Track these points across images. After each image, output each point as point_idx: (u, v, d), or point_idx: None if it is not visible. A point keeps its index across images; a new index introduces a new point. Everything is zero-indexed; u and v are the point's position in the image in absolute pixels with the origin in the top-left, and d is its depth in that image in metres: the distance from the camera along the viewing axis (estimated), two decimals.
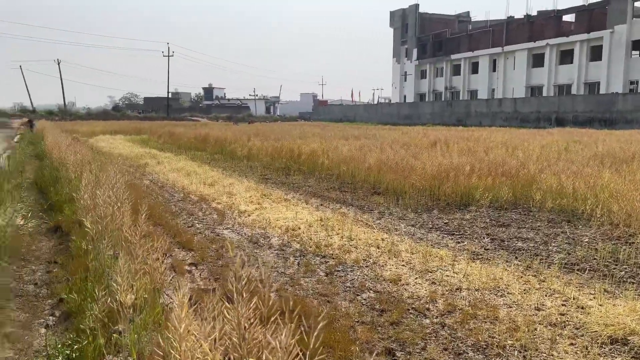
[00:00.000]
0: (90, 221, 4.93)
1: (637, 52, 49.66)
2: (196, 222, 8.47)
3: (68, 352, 3.63)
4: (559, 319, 4.37)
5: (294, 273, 5.77)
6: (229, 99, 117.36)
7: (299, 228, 7.80)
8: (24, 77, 77.26)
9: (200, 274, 5.76)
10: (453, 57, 70.33)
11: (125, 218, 4.71)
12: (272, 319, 1.97)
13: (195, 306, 2.38)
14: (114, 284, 3.48)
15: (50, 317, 4.66)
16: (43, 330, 4.39)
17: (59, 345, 3.78)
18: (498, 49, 62.61)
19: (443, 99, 70.50)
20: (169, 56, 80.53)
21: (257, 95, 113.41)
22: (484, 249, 6.73)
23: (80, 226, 6.39)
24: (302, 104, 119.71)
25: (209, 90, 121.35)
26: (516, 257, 6.28)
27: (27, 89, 79.78)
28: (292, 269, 5.94)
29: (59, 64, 77.54)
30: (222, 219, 8.58)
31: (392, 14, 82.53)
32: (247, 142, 20.17)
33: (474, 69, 67.88)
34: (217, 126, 42.56)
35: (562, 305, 4.69)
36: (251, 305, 2.07)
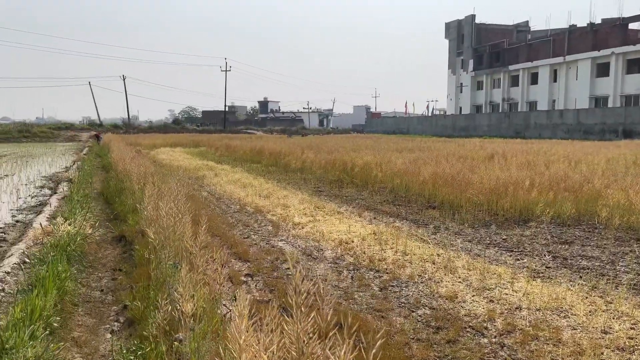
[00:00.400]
0: (153, 231, 5.14)
1: None
2: (252, 233, 8.64)
3: (132, 357, 3.79)
4: (627, 343, 4.14)
5: (347, 287, 5.77)
6: (283, 112, 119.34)
7: (352, 241, 7.79)
8: (92, 92, 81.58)
9: (255, 285, 5.87)
10: (511, 67, 68.50)
11: (186, 229, 4.88)
12: (331, 333, 1.99)
13: (255, 318, 2.43)
14: (176, 293, 3.61)
15: (115, 323, 4.88)
16: (108, 336, 4.60)
17: (124, 351, 3.95)
18: (559, 59, 60.44)
19: (500, 111, 68.68)
20: (226, 71, 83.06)
21: (310, 108, 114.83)
22: (545, 267, 6.47)
23: (142, 236, 6.68)
24: (355, 116, 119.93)
25: (264, 104, 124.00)
26: (580, 277, 6.00)
27: (95, 104, 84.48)
28: (346, 282, 5.94)
29: (124, 79, 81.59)
30: (277, 231, 8.70)
31: (447, 25, 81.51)
32: (301, 155, 20.40)
33: (533, 79, 65.80)
34: (272, 139, 43.35)
35: (631, 328, 4.44)
36: (309, 319, 2.10)
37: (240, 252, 7.18)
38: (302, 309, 2.01)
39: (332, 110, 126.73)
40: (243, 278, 6.12)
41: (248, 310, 2.44)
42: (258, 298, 5.37)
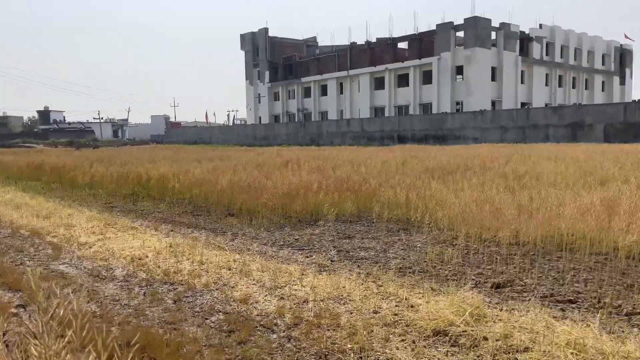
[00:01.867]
0: None
1: (460, 76, 56.63)
2: (26, 259, 7.64)
3: None
4: (392, 319, 4.77)
5: (139, 304, 5.50)
6: (69, 123, 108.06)
7: (146, 256, 7.46)
8: None
9: (30, 316, 5.21)
10: (304, 80, 73.30)
11: None
12: (115, 355, 1.89)
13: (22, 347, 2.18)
14: None
15: None
16: None
17: None
18: (344, 73, 66.77)
19: (297, 120, 72.89)
20: None
21: (102, 118, 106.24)
22: (331, 260, 7.09)
23: None
24: (153, 126, 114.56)
25: (45, 114, 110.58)
26: (359, 266, 6.72)
27: None
28: (137, 299, 5.66)
29: None
30: (59, 254, 7.86)
31: (243, 37, 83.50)
32: (90, 169, 18.78)
33: (324, 91, 71.45)
34: (55, 152, 38.89)
35: (396, 306, 5.14)
36: (86, 339, 1.97)
37: (10, 282, 6.29)
38: (53, 325, 1.87)
39: (127, 120, 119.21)
40: (14, 310, 5.39)
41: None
42: (33, 330, 4.78)
